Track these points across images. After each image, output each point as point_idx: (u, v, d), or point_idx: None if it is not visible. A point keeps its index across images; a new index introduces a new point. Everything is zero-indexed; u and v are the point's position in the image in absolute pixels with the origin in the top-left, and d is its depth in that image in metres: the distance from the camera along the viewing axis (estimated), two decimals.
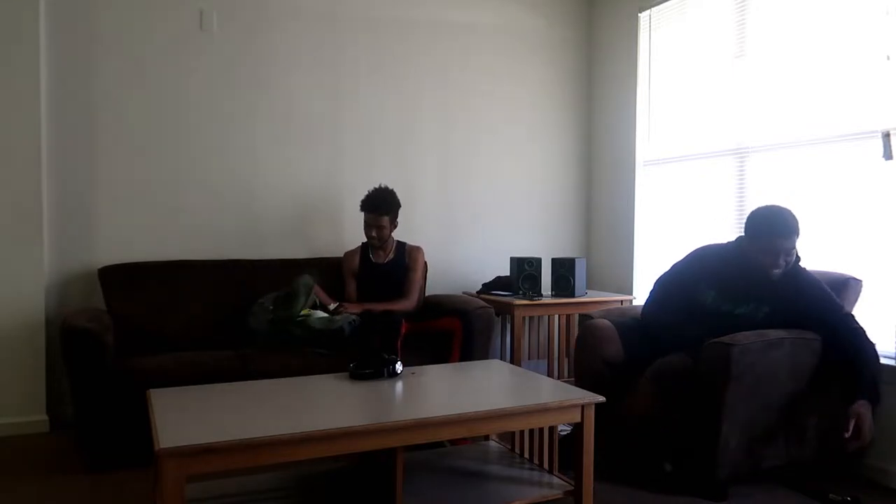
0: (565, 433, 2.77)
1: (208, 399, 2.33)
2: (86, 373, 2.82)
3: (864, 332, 2.64)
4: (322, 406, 2.31)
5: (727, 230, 3.67)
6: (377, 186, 3.67)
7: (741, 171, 3.61)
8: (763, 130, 3.49)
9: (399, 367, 2.63)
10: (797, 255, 2.74)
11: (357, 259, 3.73)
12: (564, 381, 2.80)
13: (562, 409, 2.29)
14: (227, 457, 1.87)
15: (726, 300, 2.83)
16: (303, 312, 3.31)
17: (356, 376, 2.57)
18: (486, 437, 2.94)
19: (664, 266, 3.11)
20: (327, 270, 3.71)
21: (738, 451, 2.58)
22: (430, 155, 4.31)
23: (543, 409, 2.26)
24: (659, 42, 4.21)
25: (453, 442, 2.85)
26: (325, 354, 3.17)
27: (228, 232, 3.85)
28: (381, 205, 3.61)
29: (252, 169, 3.89)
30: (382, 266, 3.70)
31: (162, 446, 1.80)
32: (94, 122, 3.59)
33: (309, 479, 2.54)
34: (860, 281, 2.87)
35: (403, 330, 3.23)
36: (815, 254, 3.13)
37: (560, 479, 2.51)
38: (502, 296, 4.01)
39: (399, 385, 2.52)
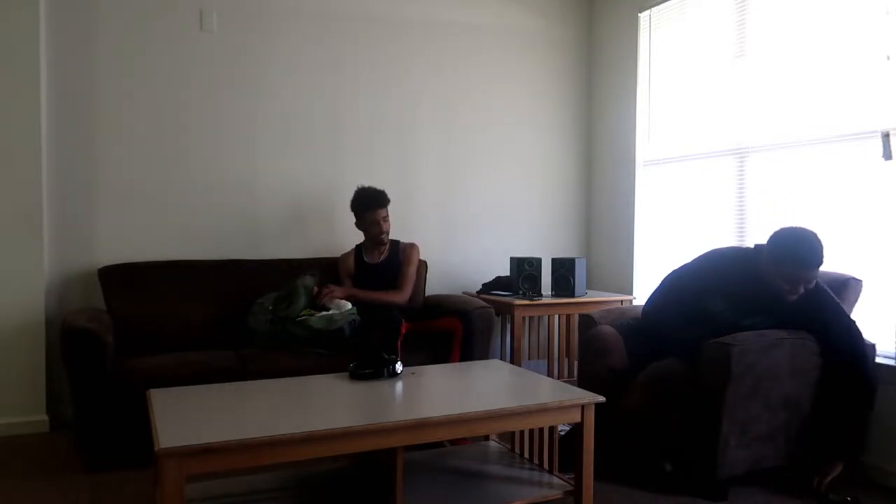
0: (564, 433, 2.77)
1: (208, 399, 2.33)
2: (86, 373, 2.83)
3: (874, 376, 2.63)
4: (322, 406, 2.31)
5: (727, 230, 3.67)
6: (359, 188, 3.67)
7: (741, 171, 3.61)
8: (763, 130, 3.49)
9: (399, 367, 2.63)
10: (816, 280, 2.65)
11: (352, 261, 3.73)
12: (564, 381, 2.80)
13: (562, 409, 2.29)
14: (227, 457, 1.87)
15: (734, 310, 2.79)
16: (303, 312, 3.31)
17: (356, 376, 2.57)
18: (486, 437, 2.94)
19: (664, 266, 3.10)
20: (327, 270, 3.70)
21: (738, 451, 2.58)
22: (429, 155, 4.31)
23: (543, 409, 2.26)
24: (659, 42, 4.21)
25: (453, 442, 2.85)
26: (325, 354, 3.17)
27: (228, 232, 3.85)
28: (382, 197, 3.64)
29: (252, 169, 3.89)
30: (377, 266, 3.70)
31: (162, 446, 1.80)
32: (94, 123, 3.59)
33: (309, 479, 2.54)
34: (860, 281, 2.86)
35: (403, 330, 3.23)
36: None
37: (560, 479, 2.51)
38: (502, 296, 4.01)
39: (399, 385, 2.52)
